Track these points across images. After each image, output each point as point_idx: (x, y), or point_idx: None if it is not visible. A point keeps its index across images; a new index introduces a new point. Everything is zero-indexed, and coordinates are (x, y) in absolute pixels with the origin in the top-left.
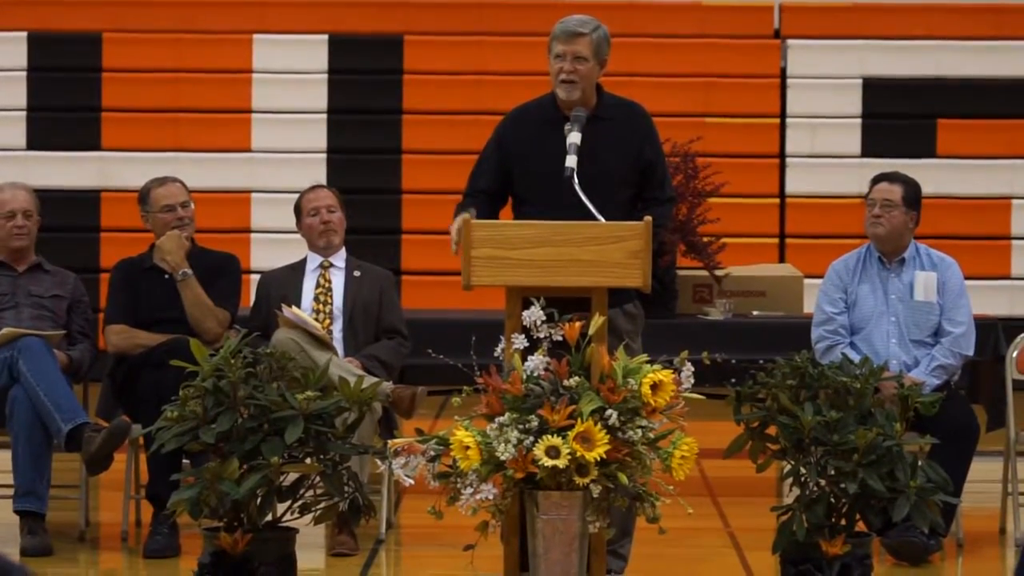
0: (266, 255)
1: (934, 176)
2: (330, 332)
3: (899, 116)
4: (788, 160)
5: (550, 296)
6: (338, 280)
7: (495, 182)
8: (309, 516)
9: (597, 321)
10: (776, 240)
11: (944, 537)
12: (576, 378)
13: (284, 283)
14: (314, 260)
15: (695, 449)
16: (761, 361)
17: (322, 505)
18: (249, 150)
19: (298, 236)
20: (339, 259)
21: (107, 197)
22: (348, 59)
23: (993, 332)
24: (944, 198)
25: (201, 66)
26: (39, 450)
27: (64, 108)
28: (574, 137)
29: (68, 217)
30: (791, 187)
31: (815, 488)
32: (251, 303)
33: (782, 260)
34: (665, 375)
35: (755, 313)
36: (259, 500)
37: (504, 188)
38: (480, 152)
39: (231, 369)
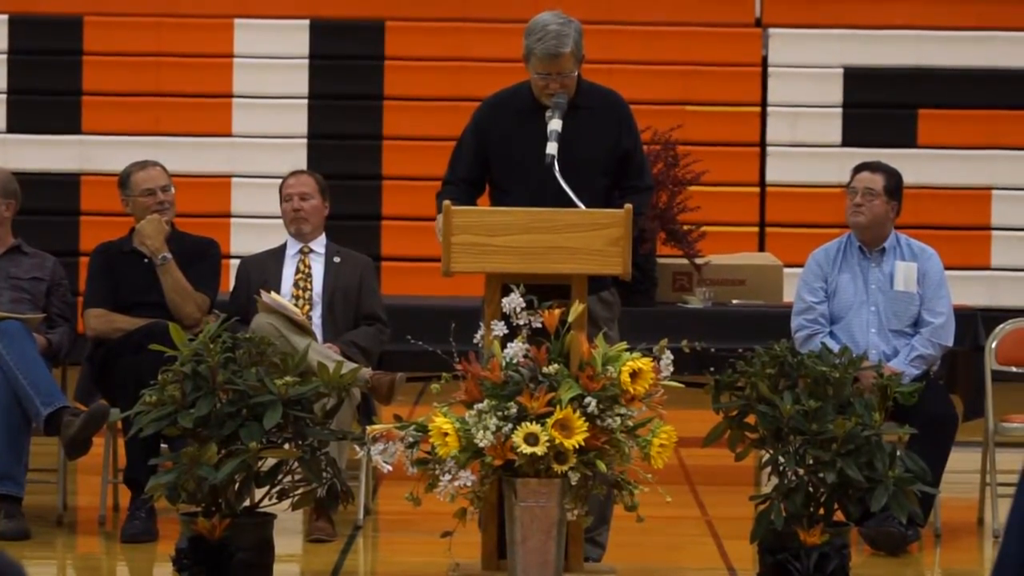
0: (246, 240)
1: (914, 166)
2: (309, 318)
3: (880, 105)
4: (769, 149)
5: (530, 283)
6: (318, 266)
7: (474, 170)
8: (287, 501)
9: (577, 308)
10: (756, 229)
11: (922, 527)
12: (555, 365)
13: (264, 268)
14: (294, 245)
15: (674, 437)
16: (740, 350)
17: (300, 491)
18: (230, 135)
19: (279, 221)
20: (319, 245)
21: (87, 180)
22: (330, 44)
23: (972, 322)
24: (924, 188)
25: (182, 50)
26: (17, 433)
27: (45, 91)
28: (555, 124)
29: (48, 200)
30: (771, 176)
31: (793, 477)
32: (231, 288)
33: (762, 249)
34: (644, 363)
35: (735, 302)
36: (237, 485)
37: (482, 176)
38: (457, 139)
39: (210, 354)
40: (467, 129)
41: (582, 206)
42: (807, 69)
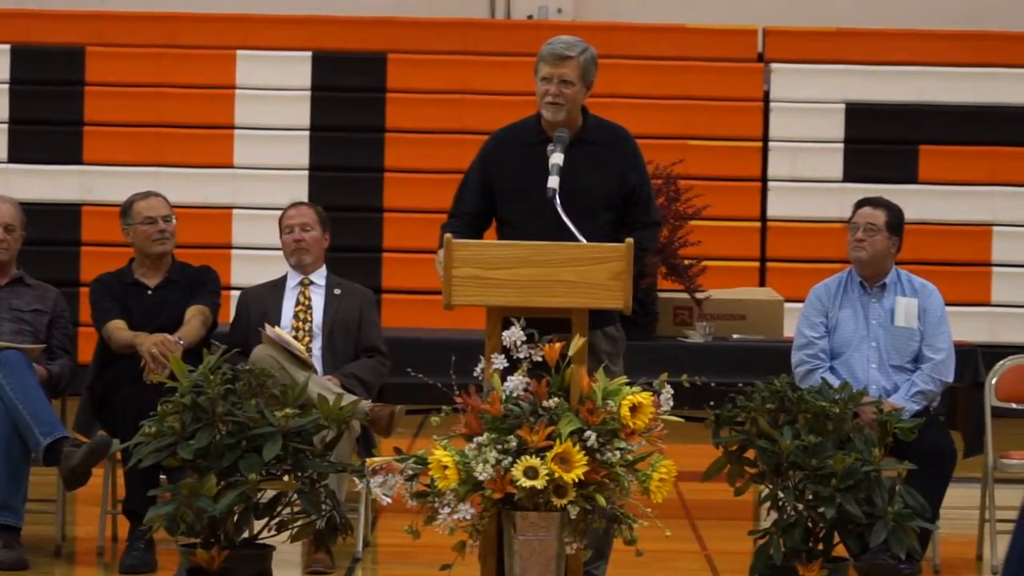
0: (247, 271)
1: (915, 202)
2: (309, 350)
3: (881, 141)
4: (770, 184)
5: (531, 317)
6: (318, 298)
7: (479, 204)
8: (286, 533)
9: (577, 342)
10: (757, 264)
11: (920, 562)
12: (555, 399)
13: (264, 300)
14: (294, 277)
15: (673, 472)
16: (740, 384)
17: (299, 522)
18: (231, 166)
19: (279, 253)
20: (319, 277)
21: (88, 211)
22: (331, 76)
23: (973, 358)
24: (925, 224)
25: (184, 81)
26: (16, 464)
27: (46, 121)
28: (556, 158)
29: (49, 231)
30: (772, 211)
31: (793, 512)
32: (231, 319)
33: (763, 284)
34: (644, 397)
35: (735, 336)
36: (236, 517)
37: (488, 209)
38: (464, 173)
39: (210, 385)
40: (474, 162)
41: (583, 240)
42: (809, 104)
